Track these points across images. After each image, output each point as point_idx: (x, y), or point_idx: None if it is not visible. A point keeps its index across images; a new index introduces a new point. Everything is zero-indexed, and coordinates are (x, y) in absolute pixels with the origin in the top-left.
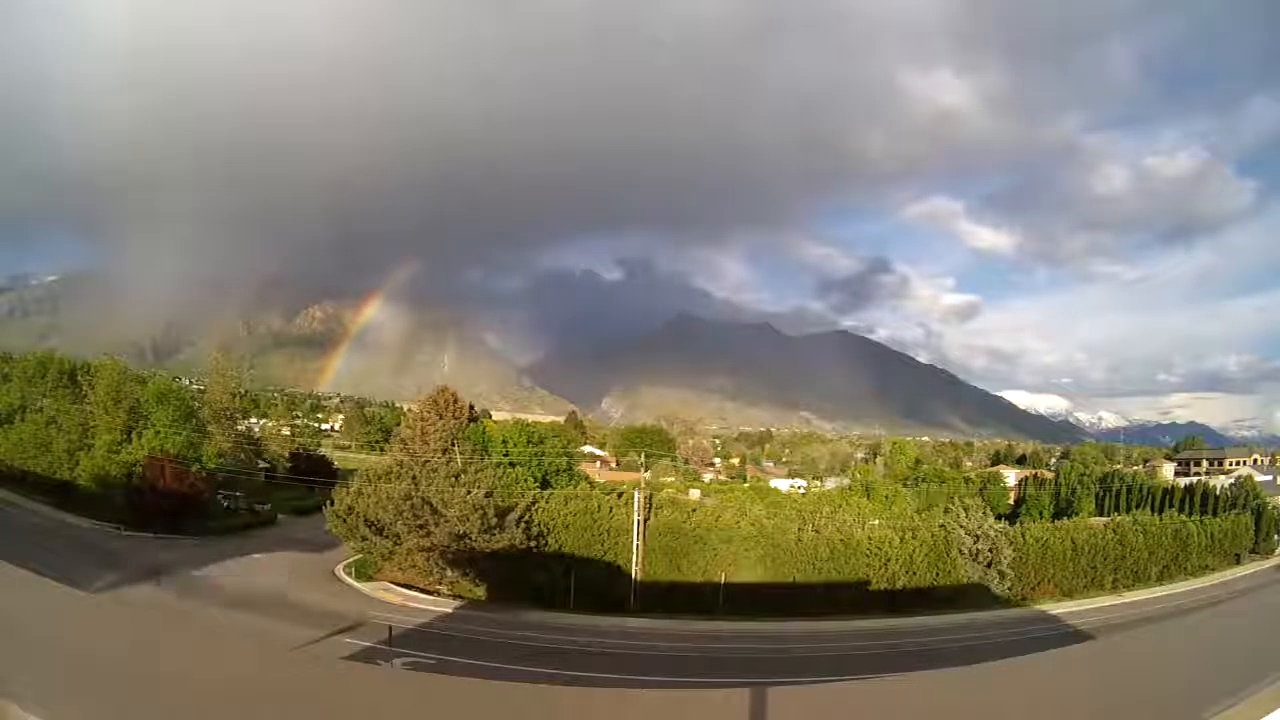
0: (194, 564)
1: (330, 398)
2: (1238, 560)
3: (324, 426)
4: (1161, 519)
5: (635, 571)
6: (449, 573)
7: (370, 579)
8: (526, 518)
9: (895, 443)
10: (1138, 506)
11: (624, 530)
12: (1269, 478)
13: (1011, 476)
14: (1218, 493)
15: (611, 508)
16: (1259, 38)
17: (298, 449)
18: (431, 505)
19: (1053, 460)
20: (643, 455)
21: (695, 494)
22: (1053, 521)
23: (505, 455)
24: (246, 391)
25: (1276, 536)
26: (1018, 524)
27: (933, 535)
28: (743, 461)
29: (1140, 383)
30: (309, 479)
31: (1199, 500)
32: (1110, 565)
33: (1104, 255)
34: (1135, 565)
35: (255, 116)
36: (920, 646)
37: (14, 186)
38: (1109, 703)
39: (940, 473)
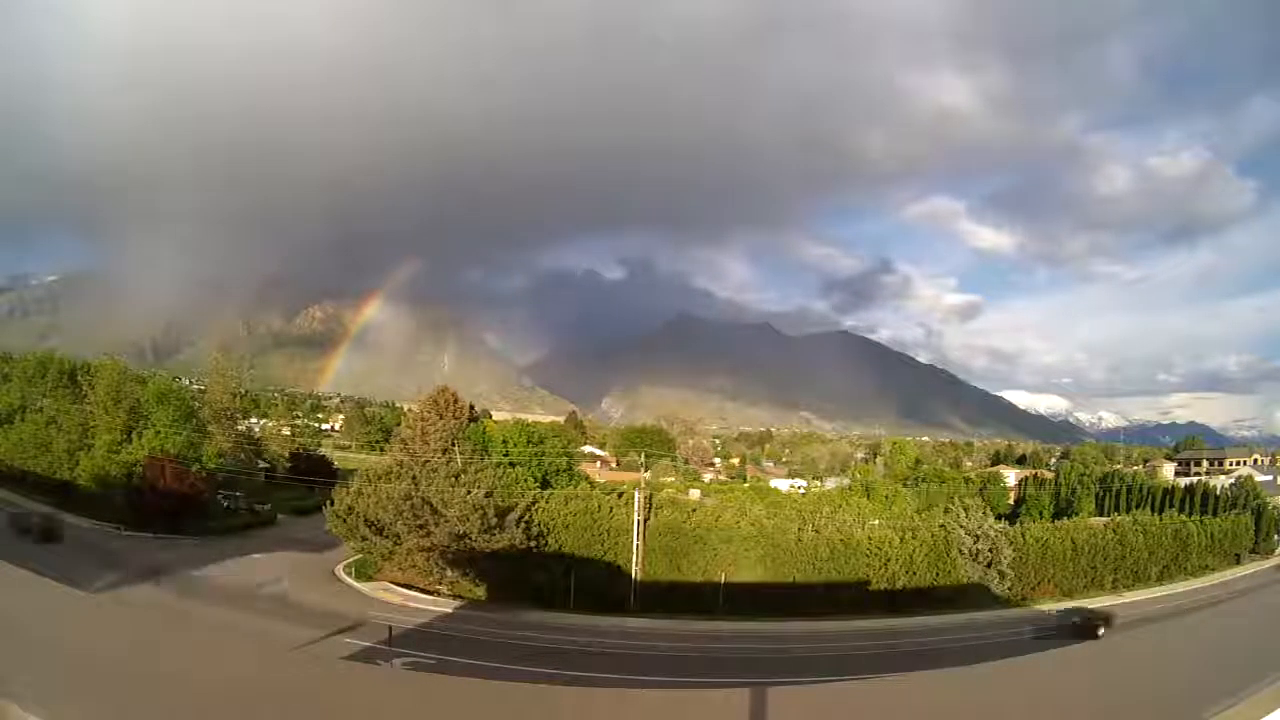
0: (194, 564)
1: (330, 398)
2: (1238, 560)
3: (324, 426)
4: (1161, 519)
5: (635, 571)
6: (449, 573)
7: (370, 579)
8: (526, 518)
9: (895, 443)
10: (1138, 506)
11: (624, 530)
12: (1269, 478)
13: (1011, 476)
14: (1218, 493)
15: (611, 508)
16: (1259, 38)
17: (298, 449)
18: (431, 505)
19: (1053, 460)
20: (643, 455)
21: (695, 494)
22: (1053, 521)
23: (505, 455)
24: (246, 391)
25: (1276, 536)
26: (1018, 524)
27: (933, 535)
28: (743, 461)
29: (1140, 383)
30: (309, 479)
31: (1199, 500)
32: (1110, 565)
33: (1104, 255)
34: (1135, 565)
35: (255, 116)
36: (920, 646)
37: (14, 186)
38: (1109, 703)
39: (940, 473)
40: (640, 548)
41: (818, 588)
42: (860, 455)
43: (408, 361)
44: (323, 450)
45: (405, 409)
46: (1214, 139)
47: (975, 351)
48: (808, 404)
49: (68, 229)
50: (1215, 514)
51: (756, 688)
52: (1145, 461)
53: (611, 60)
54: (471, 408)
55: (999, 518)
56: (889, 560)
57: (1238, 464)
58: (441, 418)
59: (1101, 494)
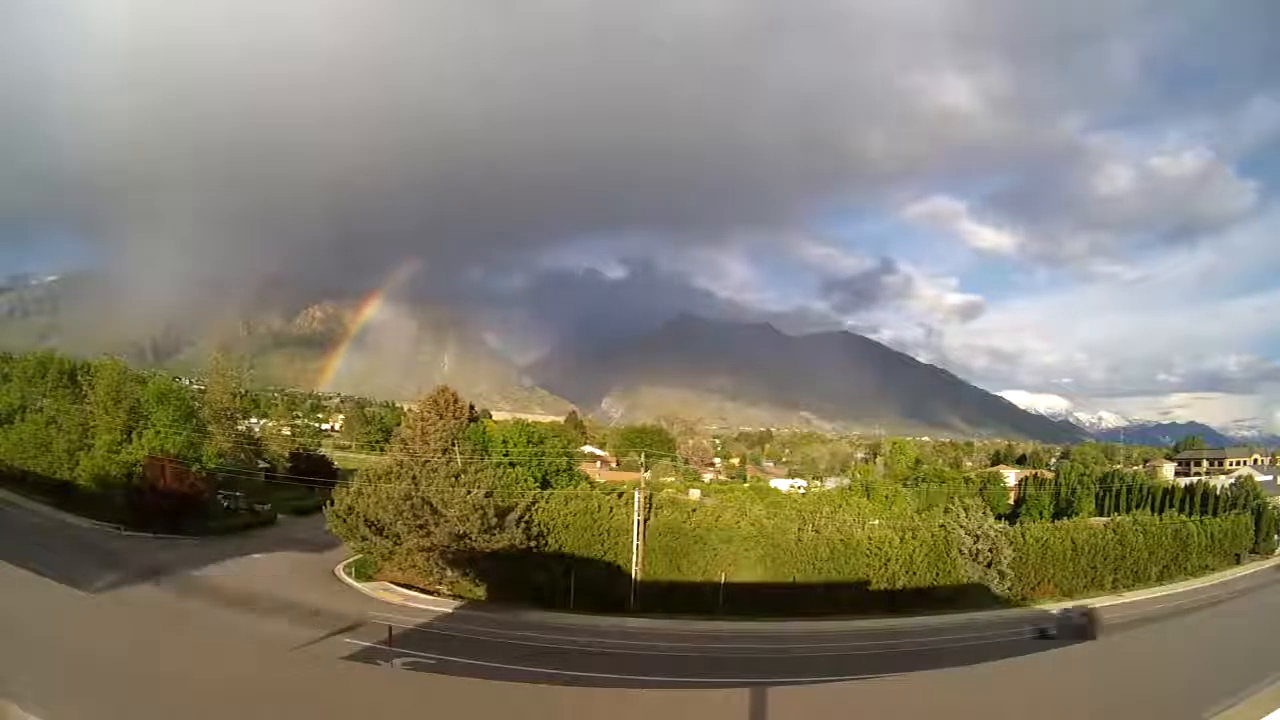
0: (194, 564)
1: (330, 398)
2: (1238, 560)
3: (324, 426)
4: (1161, 519)
5: (635, 571)
6: (449, 573)
7: (370, 579)
8: (526, 518)
9: (895, 443)
10: (1138, 506)
11: (624, 530)
12: (1269, 478)
13: (1011, 476)
14: (1218, 493)
15: (611, 508)
16: (1260, 38)
17: (298, 449)
18: (431, 505)
19: (1053, 460)
20: (643, 455)
21: (695, 494)
22: (1053, 521)
23: (505, 455)
24: (246, 391)
25: (1276, 536)
26: (1018, 524)
27: (933, 535)
28: (743, 461)
29: (1140, 383)
30: (309, 479)
31: (1199, 500)
32: (1110, 565)
33: (1105, 255)
34: (1135, 565)
35: (255, 116)
36: (920, 646)
37: (14, 186)
38: (1109, 703)
39: (940, 473)
40: (640, 548)
41: (818, 588)
42: (860, 455)
43: (408, 361)
44: (323, 450)
45: (405, 409)
46: (1215, 139)
47: (976, 351)
48: (808, 404)
49: (68, 229)
50: (1215, 514)
51: (756, 688)
52: (1145, 461)
53: (611, 60)
54: (471, 408)
55: (999, 518)
56: (889, 560)
57: (1238, 464)
58: (441, 418)
59: (1101, 494)
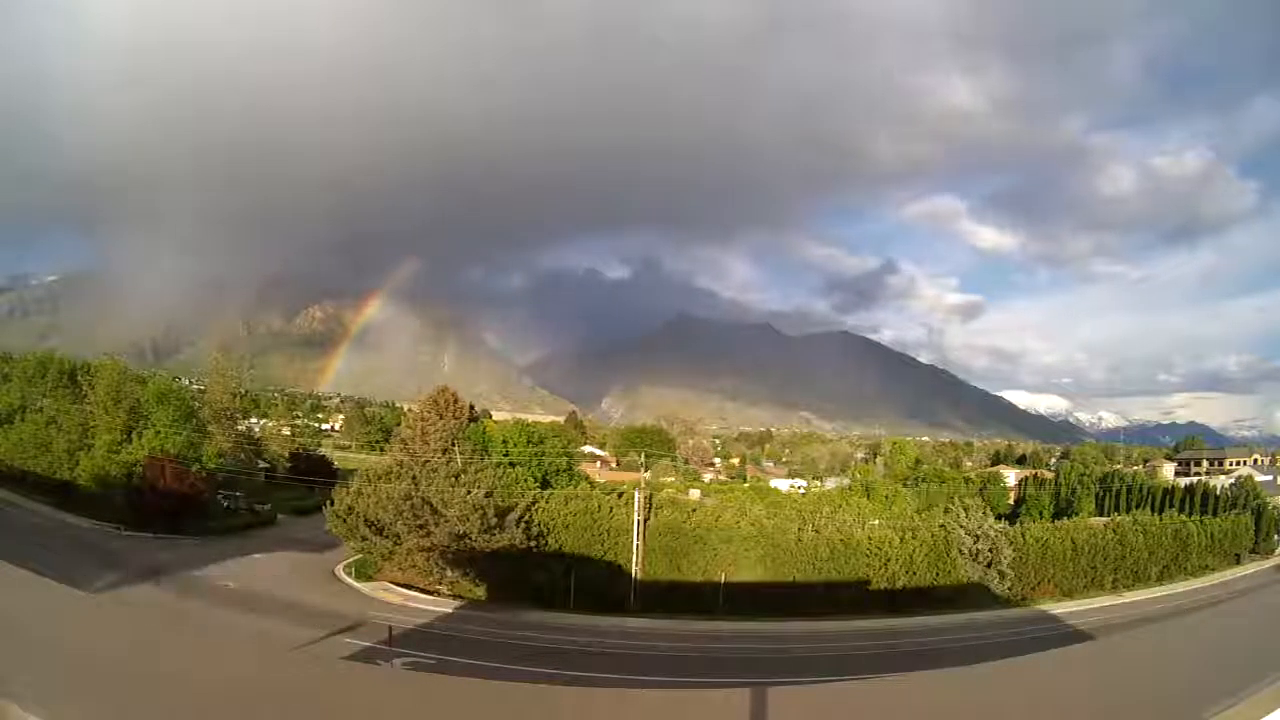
0: (194, 564)
1: (330, 398)
2: (1238, 560)
3: (324, 426)
4: (1161, 519)
5: (635, 571)
6: (449, 573)
7: (370, 579)
8: (526, 518)
9: (895, 443)
10: (1138, 506)
11: (624, 530)
12: (1269, 478)
13: (1011, 476)
14: (1218, 493)
15: (611, 508)
16: (1261, 38)
17: (298, 449)
18: (431, 505)
19: (1053, 460)
20: (643, 455)
21: (695, 494)
22: (1053, 521)
23: (505, 455)
24: (246, 391)
25: (1276, 536)
26: (1018, 524)
27: (933, 535)
28: (743, 461)
29: (1140, 383)
30: (309, 479)
31: (1199, 500)
32: (1110, 565)
33: (1106, 255)
34: (1135, 565)
35: (256, 116)
36: (920, 646)
37: (14, 186)
38: (1109, 703)
39: (940, 473)
40: (640, 548)
41: (818, 588)
42: (860, 455)
43: (408, 361)
44: (323, 450)
45: (405, 409)
46: (1216, 139)
47: (976, 351)
48: (808, 404)
49: (68, 229)
50: (1215, 514)
51: (756, 688)
52: (1145, 461)
53: (611, 60)
54: (471, 408)
55: (999, 518)
56: (889, 560)
57: (1238, 464)
58: (441, 418)
59: (1101, 494)
